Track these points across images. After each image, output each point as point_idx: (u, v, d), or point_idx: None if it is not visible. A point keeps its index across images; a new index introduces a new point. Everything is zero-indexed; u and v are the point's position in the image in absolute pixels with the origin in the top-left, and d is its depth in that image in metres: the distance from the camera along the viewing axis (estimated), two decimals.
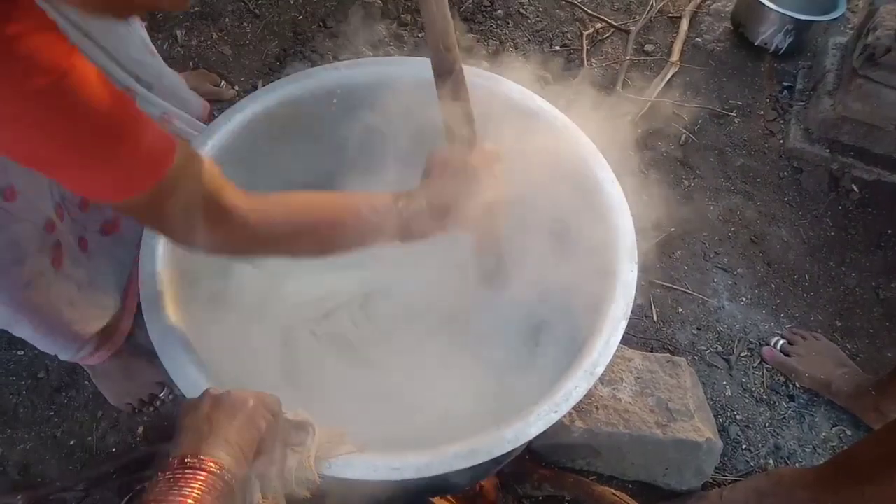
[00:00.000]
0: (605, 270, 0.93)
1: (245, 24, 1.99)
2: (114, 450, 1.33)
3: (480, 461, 0.77)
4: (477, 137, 0.89)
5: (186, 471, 0.60)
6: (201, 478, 0.60)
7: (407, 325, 1.08)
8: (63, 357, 1.22)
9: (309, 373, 0.94)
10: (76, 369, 1.38)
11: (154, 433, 1.34)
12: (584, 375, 0.84)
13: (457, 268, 1.02)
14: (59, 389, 1.39)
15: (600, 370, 0.85)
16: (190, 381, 0.80)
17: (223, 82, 1.81)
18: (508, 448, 0.78)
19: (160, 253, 0.89)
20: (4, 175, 0.87)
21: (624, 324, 0.88)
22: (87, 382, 1.38)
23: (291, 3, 2.05)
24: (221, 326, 0.93)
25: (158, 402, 1.36)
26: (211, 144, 0.98)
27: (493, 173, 0.87)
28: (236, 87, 1.83)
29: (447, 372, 1.00)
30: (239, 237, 0.76)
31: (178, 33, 1.93)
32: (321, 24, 2.00)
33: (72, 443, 1.34)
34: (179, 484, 0.59)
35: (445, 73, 0.86)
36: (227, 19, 2.00)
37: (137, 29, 1.26)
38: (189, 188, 0.69)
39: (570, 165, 1.01)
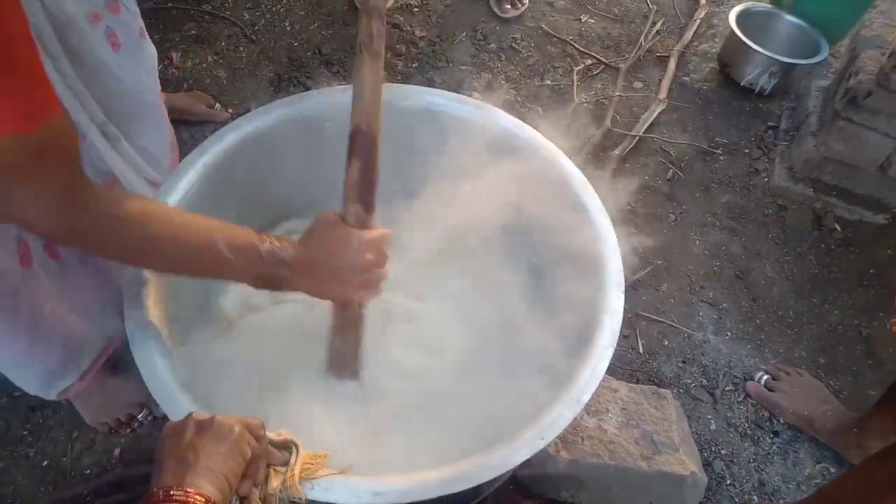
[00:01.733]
0: (592, 298, 0.93)
1: (241, 48, 2.02)
2: (88, 471, 1.30)
3: (465, 487, 0.76)
4: (373, 215, 0.85)
5: None
6: None
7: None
8: (47, 395, 1.19)
9: (294, 392, 0.93)
10: None
11: (131, 455, 1.31)
12: (571, 403, 0.84)
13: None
14: (35, 408, 1.36)
15: (586, 398, 0.84)
16: (174, 402, 0.79)
17: (217, 104, 1.82)
18: (493, 475, 0.78)
19: (145, 273, 0.89)
20: None
21: (610, 352, 0.88)
22: (63, 402, 1.35)
23: (288, 29, 2.08)
24: (206, 347, 0.92)
25: (136, 424, 1.34)
26: (202, 162, 0.99)
27: (380, 255, 0.83)
28: (230, 110, 1.84)
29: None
30: (87, 226, 0.71)
31: (174, 55, 1.95)
32: (316, 51, 2.03)
33: (45, 463, 1.30)
34: None
35: (361, 140, 0.82)
36: (222, 43, 2.02)
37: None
38: (55, 158, 0.66)
39: (558, 193, 1.02)
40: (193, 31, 2.03)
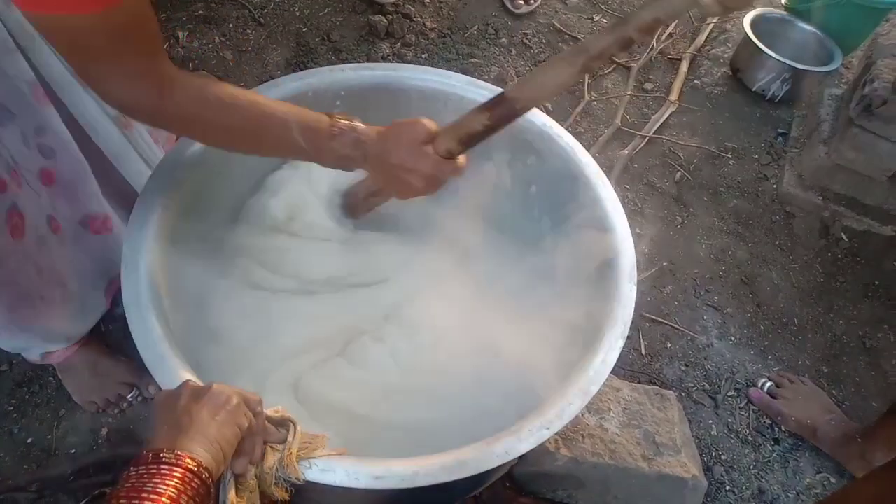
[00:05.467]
0: (605, 290, 0.91)
1: (249, 31, 1.99)
2: (73, 451, 1.26)
3: (467, 474, 0.73)
4: (459, 153, 0.86)
5: (162, 466, 0.56)
6: (177, 475, 0.56)
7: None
8: (29, 355, 1.16)
9: (297, 371, 0.90)
10: (42, 365, 1.31)
11: (118, 436, 1.28)
12: (579, 394, 0.81)
13: None
14: (21, 384, 1.32)
15: (595, 388, 0.82)
16: (170, 372, 0.76)
17: None
18: (498, 462, 0.75)
19: (148, 239, 0.86)
20: None
21: (621, 343, 0.86)
22: (51, 378, 1.32)
23: (297, 14, 2.05)
24: (207, 320, 0.89)
25: (125, 404, 1.30)
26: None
27: (441, 173, 0.86)
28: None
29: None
30: (174, 106, 0.74)
31: (181, 34, 1.92)
32: (325, 37, 2.00)
33: (29, 440, 1.27)
34: (154, 480, 0.55)
35: (508, 106, 0.82)
36: (230, 25, 1.99)
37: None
38: (137, 38, 0.68)
39: (572, 181, 1.00)
40: (201, 11, 2.00)
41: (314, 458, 0.70)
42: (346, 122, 0.85)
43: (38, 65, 0.91)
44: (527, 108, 0.82)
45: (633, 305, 0.89)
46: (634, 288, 0.91)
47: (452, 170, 0.86)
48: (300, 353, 0.95)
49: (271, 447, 0.70)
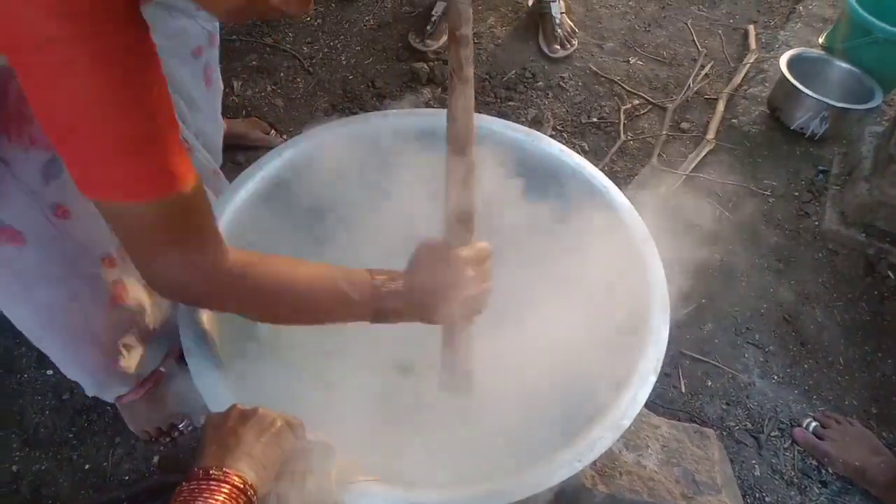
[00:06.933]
0: (637, 324, 0.93)
1: (298, 79, 2.10)
2: (127, 477, 1.32)
3: None
4: (472, 233, 0.86)
5: (211, 482, 0.60)
6: (225, 490, 0.60)
7: None
8: (93, 391, 1.21)
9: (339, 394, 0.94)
10: None
11: (169, 463, 1.33)
12: (610, 426, 0.83)
13: None
14: (80, 412, 1.40)
15: (627, 423, 0.83)
16: (219, 397, 0.81)
17: (273, 131, 1.89)
18: (527, 493, 0.77)
19: None
20: (61, 193, 0.89)
21: (653, 379, 0.87)
22: (108, 407, 1.39)
23: (343, 63, 2.16)
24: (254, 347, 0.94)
25: (176, 433, 1.36)
26: (260, 175, 1.03)
27: (482, 272, 0.85)
28: (285, 137, 1.91)
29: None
30: (219, 286, 0.75)
31: (236, 84, 2.04)
32: (370, 84, 2.10)
33: (87, 466, 1.33)
34: (204, 495, 0.59)
35: (458, 162, 0.83)
36: (281, 74, 2.11)
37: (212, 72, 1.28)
38: (190, 220, 0.69)
39: (606, 220, 1.03)
40: (255, 62, 2.13)
41: (352, 482, 0.73)
42: (384, 273, 0.83)
43: None
44: (467, 149, 0.82)
45: (666, 341, 0.90)
46: (667, 322, 0.92)
47: (484, 254, 0.85)
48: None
49: (311, 472, 0.74)
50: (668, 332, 0.91)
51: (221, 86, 1.29)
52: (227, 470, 0.61)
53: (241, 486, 0.61)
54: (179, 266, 0.71)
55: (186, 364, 0.85)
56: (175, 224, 0.68)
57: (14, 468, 1.32)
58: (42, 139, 0.81)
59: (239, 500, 0.60)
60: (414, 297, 0.83)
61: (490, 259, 0.87)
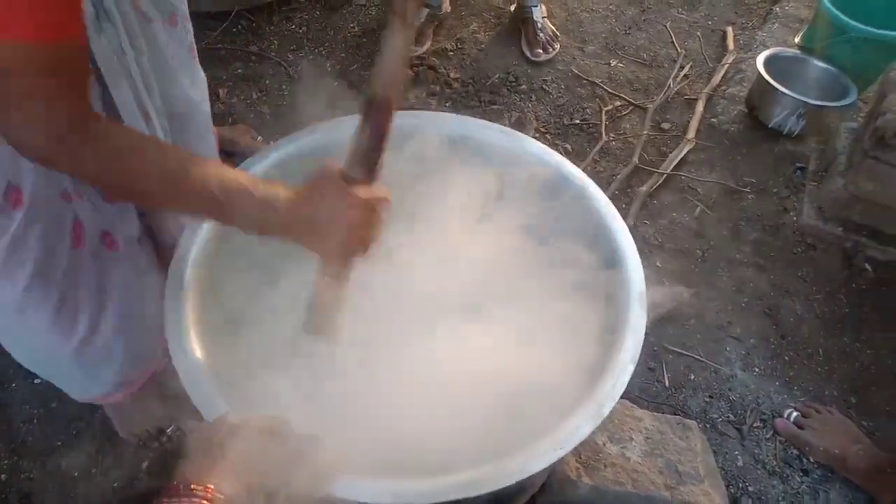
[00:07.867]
0: (615, 316, 0.95)
1: (284, 86, 2.12)
2: (115, 484, 1.33)
3: (482, 492, 0.77)
4: (375, 178, 0.83)
5: (193, 499, 0.58)
6: None
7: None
8: (80, 394, 1.20)
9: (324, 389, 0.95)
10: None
11: (158, 468, 1.34)
12: (590, 415, 0.84)
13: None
14: (70, 420, 1.40)
15: (606, 411, 0.85)
16: (209, 404, 0.81)
17: (259, 137, 1.91)
18: (511, 481, 0.78)
19: (188, 274, 0.94)
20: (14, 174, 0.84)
21: (631, 367, 0.89)
22: (97, 415, 1.39)
23: (329, 70, 2.18)
24: (238, 346, 0.95)
25: (164, 438, 1.37)
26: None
27: (371, 216, 0.81)
28: (271, 143, 1.92)
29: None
30: (88, 153, 0.70)
31: (221, 92, 2.06)
32: (356, 90, 2.12)
33: (75, 474, 1.34)
34: None
35: (376, 104, 0.80)
36: (267, 81, 2.13)
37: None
38: (71, 79, 0.66)
39: (583, 215, 1.05)
40: (240, 70, 2.15)
41: (337, 476, 0.75)
42: (267, 183, 0.79)
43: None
44: (388, 91, 0.79)
45: (644, 330, 0.92)
46: (645, 314, 0.94)
47: (379, 199, 0.82)
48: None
49: (299, 469, 0.75)
50: (645, 321, 0.93)
51: (204, 87, 1.30)
52: (209, 486, 0.59)
53: (223, 501, 0.59)
54: (53, 122, 0.67)
55: (174, 364, 0.86)
56: (56, 74, 0.65)
57: (2, 477, 1.32)
58: None
59: None
60: (293, 214, 0.79)
61: (384, 206, 0.83)
